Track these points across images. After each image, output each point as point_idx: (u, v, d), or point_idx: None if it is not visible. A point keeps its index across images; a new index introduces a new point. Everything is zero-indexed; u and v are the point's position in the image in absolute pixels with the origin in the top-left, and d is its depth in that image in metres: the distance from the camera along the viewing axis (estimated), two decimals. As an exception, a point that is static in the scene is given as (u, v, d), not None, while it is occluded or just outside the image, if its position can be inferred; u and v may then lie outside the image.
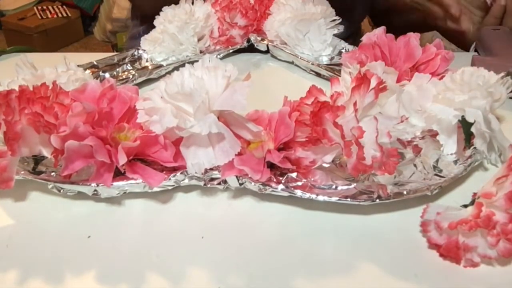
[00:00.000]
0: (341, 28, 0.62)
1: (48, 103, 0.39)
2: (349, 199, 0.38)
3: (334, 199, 0.38)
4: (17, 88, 0.40)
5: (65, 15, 2.51)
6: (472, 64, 0.57)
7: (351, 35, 0.78)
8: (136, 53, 0.64)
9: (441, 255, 0.35)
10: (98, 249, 0.36)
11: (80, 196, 0.40)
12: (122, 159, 0.38)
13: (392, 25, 0.84)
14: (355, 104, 0.37)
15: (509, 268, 0.34)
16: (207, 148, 0.39)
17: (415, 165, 0.41)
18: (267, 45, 0.66)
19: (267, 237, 0.37)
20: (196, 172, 0.39)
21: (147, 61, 0.63)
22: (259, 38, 0.66)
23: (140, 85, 0.59)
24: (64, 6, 2.54)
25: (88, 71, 0.55)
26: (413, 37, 0.51)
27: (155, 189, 0.40)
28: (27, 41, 2.37)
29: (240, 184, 0.40)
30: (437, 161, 0.42)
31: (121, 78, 0.60)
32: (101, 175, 0.38)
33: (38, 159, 0.42)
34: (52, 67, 0.48)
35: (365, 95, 0.38)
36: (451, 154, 0.42)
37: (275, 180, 0.39)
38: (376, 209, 0.39)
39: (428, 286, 0.33)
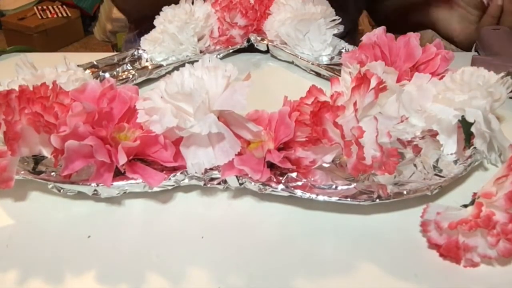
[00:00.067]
0: (341, 28, 0.62)
1: (48, 103, 0.39)
2: (349, 199, 0.38)
3: (334, 199, 0.38)
4: (17, 88, 0.40)
5: (65, 15, 2.51)
6: (472, 64, 0.57)
7: (349, 32, 0.78)
8: (136, 53, 0.64)
9: (441, 255, 0.35)
10: (98, 249, 0.36)
11: (80, 196, 0.40)
12: (122, 159, 0.38)
13: (391, 21, 0.84)
14: (355, 104, 0.37)
15: (509, 268, 0.34)
16: (207, 148, 0.39)
17: (415, 165, 0.41)
18: (267, 45, 0.66)
19: (267, 237, 0.37)
20: (196, 172, 0.39)
21: (147, 61, 0.63)
22: (259, 38, 0.66)
23: (140, 85, 0.59)
24: (64, 6, 2.55)
25: (88, 71, 0.55)
26: (413, 37, 0.51)
27: (155, 189, 0.40)
28: (27, 41, 2.37)
29: (240, 184, 0.40)
30: (437, 161, 0.42)
31: (121, 78, 0.60)
32: (101, 175, 0.38)
33: (38, 159, 0.42)
34: (52, 67, 0.48)
35: (365, 95, 0.38)
36: (451, 154, 0.42)
37: (275, 180, 0.39)
38: (376, 209, 0.39)
39: (428, 286, 0.33)
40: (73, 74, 0.49)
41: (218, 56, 0.64)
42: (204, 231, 0.38)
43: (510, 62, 0.55)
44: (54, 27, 2.46)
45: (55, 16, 2.47)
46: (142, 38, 0.64)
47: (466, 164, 0.41)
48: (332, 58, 0.62)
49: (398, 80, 0.46)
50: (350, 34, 0.81)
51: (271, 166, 0.40)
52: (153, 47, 0.62)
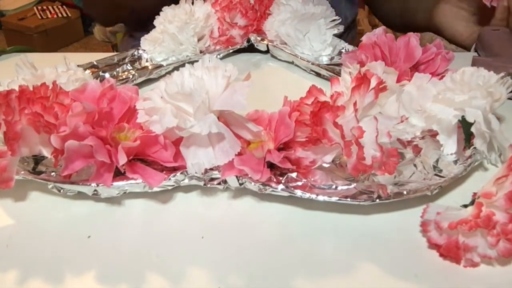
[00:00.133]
0: (341, 28, 0.62)
1: (48, 103, 0.39)
2: (349, 199, 0.38)
3: (334, 199, 0.38)
4: (17, 88, 0.40)
5: (65, 15, 2.51)
6: (473, 65, 0.57)
7: (347, 29, 0.77)
8: (136, 53, 0.64)
9: (441, 255, 0.35)
10: (98, 249, 0.36)
11: (80, 196, 0.40)
12: (122, 159, 0.38)
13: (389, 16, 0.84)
14: (355, 104, 0.37)
15: (509, 268, 0.34)
16: (207, 148, 0.39)
17: (415, 165, 0.41)
18: (267, 45, 0.66)
19: (267, 237, 0.37)
20: (196, 172, 0.39)
21: (147, 61, 0.63)
22: (259, 38, 0.66)
23: (140, 85, 0.59)
24: (64, 6, 2.55)
25: (88, 71, 0.55)
26: (413, 37, 0.51)
27: (155, 189, 0.40)
28: (27, 41, 2.37)
29: (240, 184, 0.40)
30: (437, 161, 0.42)
31: (121, 78, 0.60)
32: (101, 175, 0.38)
33: (38, 159, 0.42)
34: (52, 67, 0.48)
35: (365, 95, 0.38)
36: (451, 154, 0.42)
37: (275, 180, 0.39)
38: (376, 209, 0.39)
39: (428, 286, 0.33)
40: (73, 74, 0.49)
41: (218, 56, 0.64)
42: (204, 231, 0.38)
43: (511, 63, 0.56)
44: (54, 27, 2.46)
45: (55, 16, 2.47)
46: (142, 38, 0.64)
47: (466, 164, 0.41)
48: (332, 58, 0.62)
49: (398, 80, 0.46)
50: (349, 30, 0.81)
51: (271, 166, 0.40)
52: (153, 47, 0.62)
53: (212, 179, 0.40)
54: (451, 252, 0.34)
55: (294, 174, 0.39)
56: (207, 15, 0.64)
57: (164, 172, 0.40)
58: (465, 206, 0.36)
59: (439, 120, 0.42)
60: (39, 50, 0.81)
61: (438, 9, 0.72)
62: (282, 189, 0.39)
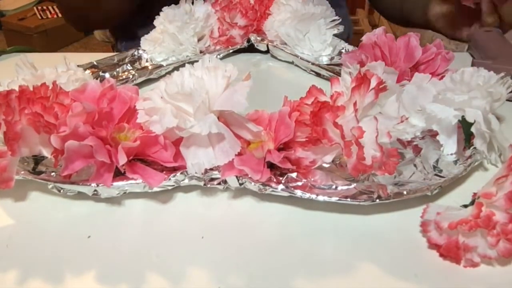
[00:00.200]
0: (341, 28, 0.62)
1: (48, 103, 0.39)
2: (349, 199, 0.38)
3: (334, 199, 0.38)
4: (17, 88, 0.40)
5: (65, 15, 2.51)
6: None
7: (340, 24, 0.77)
8: (136, 53, 0.64)
9: (441, 255, 0.35)
10: (98, 249, 0.36)
11: (80, 196, 0.40)
12: (122, 159, 0.38)
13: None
14: (355, 104, 0.37)
15: (509, 268, 0.34)
16: (207, 148, 0.39)
17: (415, 165, 0.41)
18: (267, 45, 0.66)
19: (267, 237, 0.37)
20: (196, 172, 0.39)
21: (147, 61, 0.63)
22: (259, 38, 0.66)
23: (140, 85, 0.59)
24: (64, 6, 2.54)
25: (88, 71, 0.55)
26: (413, 37, 0.51)
27: (155, 189, 0.40)
28: (27, 41, 2.37)
29: (240, 184, 0.40)
30: (437, 161, 0.42)
31: (121, 78, 0.60)
32: (101, 175, 0.38)
33: (38, 159, 0.42)
34: (52, 67, 0.48)
35: (365, 95, 0.38)
36: (451, 154, 0.42)
37: (275, 180, 0.39)
38: (376, 209, 0.39)
39: (428, 286, 0.33)
40: (73, 74, 0.49)
41: (218, 56, 0.64)
42: (204, 231, 0.38)
43: (511, 64, 0.56)
44: (54, 27, 2.45)
45: (55, 16, 2.47)
46: (142, 38, 0.64)
47: (466, 164, 0.41)
48: (332, 58, 0.62)
49: (398, 80, 0.46)
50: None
51: (271, 166, 0.40)
52: (153, 47, 0.62)
53: (212, 179, 0.40)
54: (451, 252, 0.34)
55: (294, 174, 0.39)
56: (207, 15, 0.64)
57: (164, 172, 0.40)
58: (465, 206, 0.36)
59: (439, 120, 0.42)
60: (39, 50, 0.81)
61: (430, 4, 0.72)
62: (282, 189, 0.39)
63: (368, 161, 0.36)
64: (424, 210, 0.35)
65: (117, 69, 0.61)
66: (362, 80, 0.37)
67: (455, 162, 0.42)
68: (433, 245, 0.35)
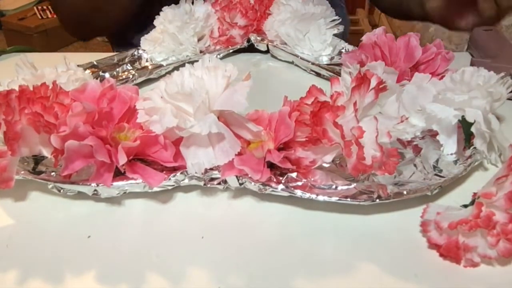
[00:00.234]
0: (341, 28, 0.62)
1: (48, 103, 0.39)
2: (349, 199, 0.38)
3: (334, 199, 0.38)
4: (17, 88, 0.40)
5: (65, 15, 2.50)
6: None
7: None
8: (136, 53, 0.64)
9: (441, 255, 0.35)
10: (98, 249, 0.36)
11: (80, 196, 0.40)
12: (122, 159, 0.38)
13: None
14: (355, 104, 0.37)
15: (509, 268, 0.34)
16: (207, 148, 0.39)
17: (415, 165, 0.41)
18: (267, 45, 0.66)
19: (267, 237, 0.37)
20: (196, 172, 0.39)
21: (147, 61, 0.63)
22: (259, 38, 0.66)
23: (140, 85, 0.59)
24: (64, 6, 2.54)
25: (88, 71, 0.55)
26: (413, 37, 0.51)
27: (155, 189, 0.40)
28: (27, 41, 2.37)
29: (240, 184, 0.40)
30: (437, 161, 0.42)
31: (121, 78, 0.60)
32: (101, 175, 0.38)
33: (38, 159, 0.42)
34: (52, 67, 0.48)
35: (365, 95, 0.38)
36: (451, 154, 0.42)
37: (275, 180, 0.39)
38: (376, 209, 0.39)
39: (428, 286, 0.33)
40: (73, 74, 0.49)
41: (218, 56, 0.64)
42: (204, 231, 0.38)
43: (510, 63, 0.56)
44: (54, 27, 2.45)
45: (55, 16, 2.47)
46: (142, 38, 0.64)
47: (466, 164, 0.41)
48: (332, 58, 0.62)
49: (398, 80, 0.46)
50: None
51: (271, 166, 0.40)
52: (153, 47, 0.62)
53: (212, 179, 0.40)
54: (451, 252, 0.34)
55: (294, 174, 0.39)
56: (207, 15, 0.64)
57: (164, 172, 0.40)
58: (465, 206, 0.36)
59: (439, 120, 0.42)
60: (39, 50, 0.81)
61: None
62: (282, 189, 0.39)
63: (368, 161, 0.36)
64: (424, 210, 0.35)
65: (117, 69, 0.61)
66: (362, 80, 0.37)
67: (455, 162, 0.42)
68: (433, 245, 0.35)
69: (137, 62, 0.63)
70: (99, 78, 0.58)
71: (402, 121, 0.39)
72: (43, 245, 0.37)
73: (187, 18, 0.61)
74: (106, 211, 0.40)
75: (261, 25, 0.66)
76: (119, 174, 0.39)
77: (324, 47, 0.61)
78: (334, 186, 0.39)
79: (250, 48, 0.67)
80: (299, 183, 0.39)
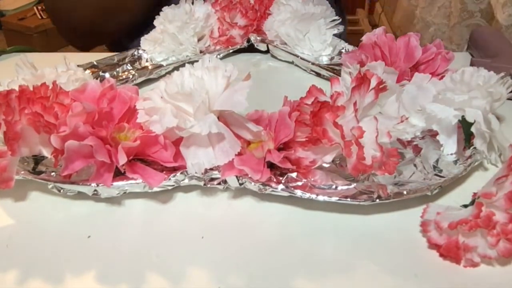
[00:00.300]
0: (341, 28, 0.62)
1: (48, 103, 0.39)
2: (349, 199, 0.38)
3: (334, 199, 0.38)
4: (17, 88, 0.40)
5: (65, 15, 2.51)
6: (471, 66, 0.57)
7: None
8: (136, 53, 0.64)
9: (441, 255, 0.35)
10: (98, 249, 0.36)
11: (80, 196, 0.40)
12: (122, 159, 0.38)
13: None
14: (355, 104, 0.37)
15: (509, 268, 0.34)
16: (207, 148, 0.39)
17: (415, 165, 0.41)
18: (267, 45, 0.66)
19: (267, 237, 0.37)
20: (196, 172, 0.39)
21: (147, 61, 0.63)
22: (259, 38, 0.66)
23: (140, 85, 0.59)
24: (64, 6, 2.54)
25: (88, 71, 0.55)
26: (413, 37, 0.51)
27: (155, 189, 0.40)
28: (27, 41, 2.37)
29: (240, 184, 0.40)
30: (437, 161, 0.42)
31: (121, 78, 0.60)
32: (101, 175, 0.38)
33: (38, 159, 0.42)
34: (52, 67, 0.48)
35: (365, 95, 0.38)
36: (451, 154, 0.42)
37: (275, 180, 0.39)
38: (376, 209, 0.39)
39: (428, 286, 0.33)
40: (73, 74, 0.49)
41: (218, 56, 0.64)
42: (204, 231, 0.38)
43: (510, 63, 0.56)
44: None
45: (55, 16, 2.47)
46: (142, 38, 0.64)
47: (466, 164, 0.41)
48: (332, 58, 0.62)
49: (398, 80, 0.46)
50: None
51: (271, 166, 0.40)
52: (153, 47, 0.62)
53: (212, 179, 0.40)
54: (451, 252, 0.34)
55: (294, 174, 0.39)
56: (207, 15, 0.64)
57: (164, 172, 0.40)
58: (465, 206, 0.36)
59: (439, 120, 0.42)
60: (39, 50, 0.81)
61: None
62: (282, 189, 0.39)
63: (368, 161, 0.36)
64: (424, 210, 0.35)
65: (117, 69, 0.61)
66: (362, 80, 0.37)
67: (455, 162, 0.42)
68: (433, 245, 0.35)
69: (137, 62, 0.63)
70: (99, 78, 0.58)
71: (402, 121, 0.39)
72: (43, 245, 0.37)
73: (187, 18, 0.61)
74: (106, 211, 0.40)
75: (261, 25, 0.66)
76: (119, 174, 0.39)
77: (324, 47, 0.61)
78: (334, 186, 0.39)
79: (250, 48, 0.67)
80: (299, 183, 0.39)
